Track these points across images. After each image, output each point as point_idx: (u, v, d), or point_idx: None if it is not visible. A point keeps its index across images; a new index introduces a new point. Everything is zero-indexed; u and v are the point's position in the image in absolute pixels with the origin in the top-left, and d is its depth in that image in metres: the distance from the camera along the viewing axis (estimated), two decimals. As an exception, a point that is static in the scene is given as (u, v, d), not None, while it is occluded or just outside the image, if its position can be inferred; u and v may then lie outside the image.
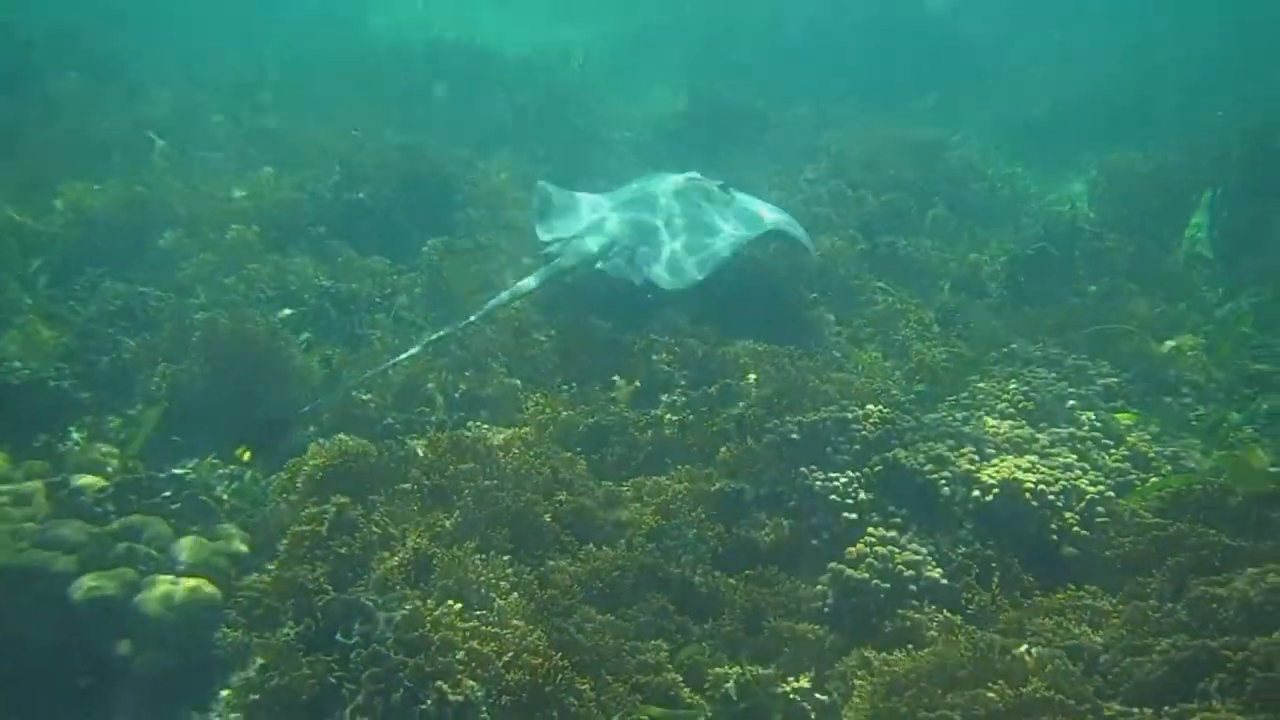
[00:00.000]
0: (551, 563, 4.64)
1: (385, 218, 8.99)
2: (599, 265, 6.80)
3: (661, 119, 13.91)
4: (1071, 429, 5.17)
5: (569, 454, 5.65)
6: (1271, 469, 4.66)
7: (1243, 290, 7.84)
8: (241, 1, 18.92)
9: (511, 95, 14.09)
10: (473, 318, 6.44)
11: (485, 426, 5.73)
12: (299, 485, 5.10)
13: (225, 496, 5.26)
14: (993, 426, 5.17)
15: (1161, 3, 18.62)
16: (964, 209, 10.32)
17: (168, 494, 4.79)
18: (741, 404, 5.93)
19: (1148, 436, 5.28)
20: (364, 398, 6.29)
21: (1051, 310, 7.58)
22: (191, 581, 4.24)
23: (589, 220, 7.24)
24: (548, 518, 4.86)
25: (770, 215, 7.37)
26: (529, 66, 16.45)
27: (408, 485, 5.01)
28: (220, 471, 5.68)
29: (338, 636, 4.19)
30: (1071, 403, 5.45)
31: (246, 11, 18.56)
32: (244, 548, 4.78)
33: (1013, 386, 5.68)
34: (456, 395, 6.36)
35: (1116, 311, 7.09)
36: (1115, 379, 5.88)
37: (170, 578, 4.28)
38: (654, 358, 6.45)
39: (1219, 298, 7.82)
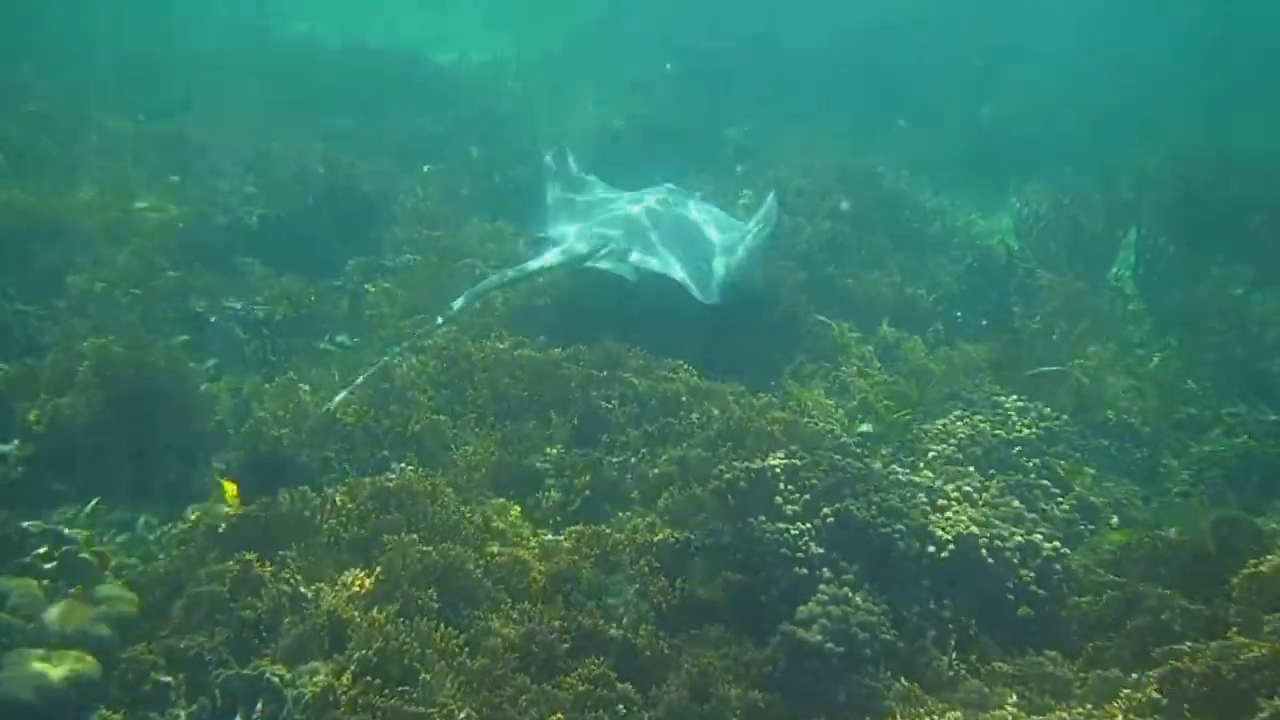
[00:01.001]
0: (482, 623, 4.26)
1: (305, 233, 8.44)
2: (591, 262, 6.94)
3: (598, 136, 13.64)
4: (1019, 476, 5.07)
5: (501, 500, 5.29)
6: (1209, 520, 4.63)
7: (1167, 330, 8.03)
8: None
9: (440, 106, 13.62)
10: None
11: (411, 469, 5.30)
12: (199, 537, 4.59)
13: (111, 550, 4.69)
14: (941, 473, 5.04)
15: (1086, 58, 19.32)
16: (900, 239, 10.35)
17: (41, 551, 4.22)
18: (684, 445, 5.67)
19: (1091, 483, 5.23)
20: (277, 433, 5.78)
21: (988, 347, 7.59)
22: (66, 659, 3.70)
23: (592, 219, 7.48)
24: (479, 574, 4.48)
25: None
26: (458, 76, 16.03)
27: (324, 539, 4.56)
28: (107, 518, 5.10)
29: (238, 718, 3.74)
30: (1017, 448, 5.37)
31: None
32: (131, 610, 4.23)
33: (958, 430, 5.57)
34: (379, 431, 5.91)
35: (1052, 351, 7.11)
36: (1056, 422, 5.83)
37: (40, 652, 3.73)
38: (592, 393, 6.13)
39: (1144, 336, 7.98)
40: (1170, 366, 6.90)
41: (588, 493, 5.37)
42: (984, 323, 8.05)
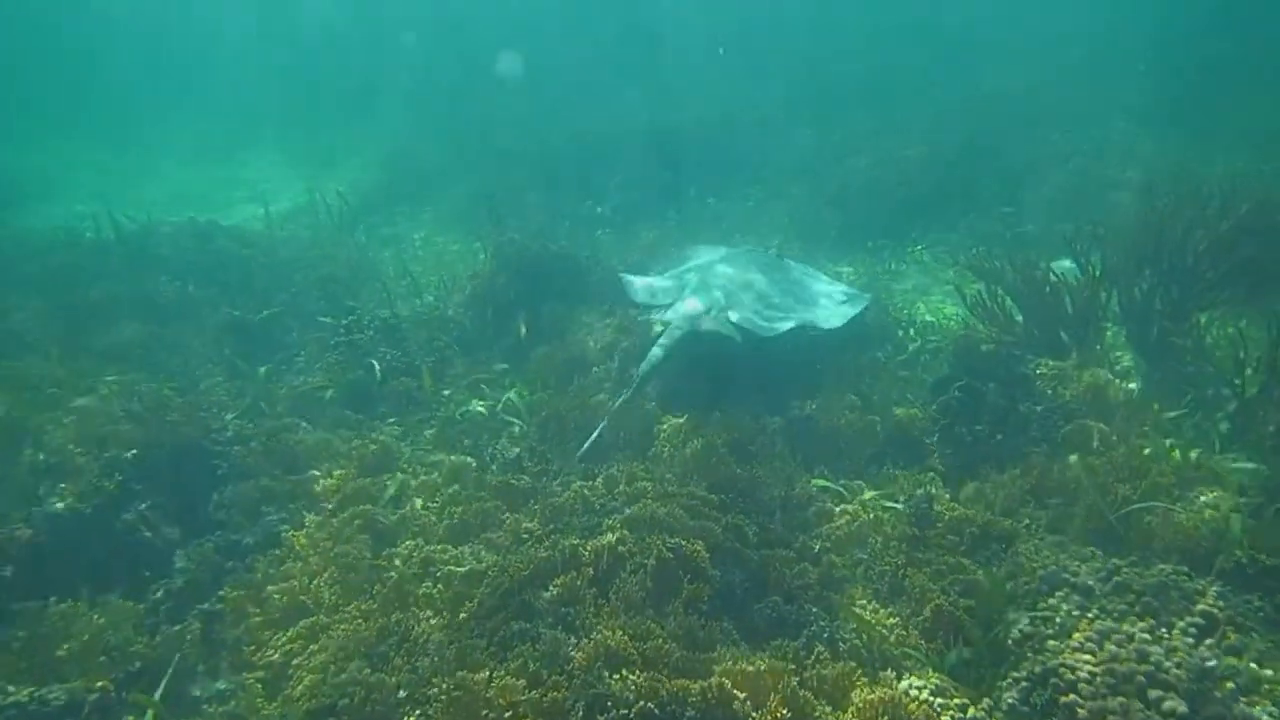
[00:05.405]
0: None
1: (108, 531, 6.07)
2: (703, 326, 7.36)
3: (460, 280, 11.74)
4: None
5: None
6: None
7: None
8: None
9: (264, 283, 11.38)
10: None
11: None
12: None
13: None
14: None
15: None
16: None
17: None
18: (763, 784, 3.87)
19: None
20: None
21: (1014, 471, 6.23)
22: None
23: (679, 292, 8.00)
24: None
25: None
26: (273, 240, 13.83)
27: None
28: None
29: None
30: (1211, 662, 3.89)
31: None
32: None
33: (1118, 657, 4.06)
34: None
35: (1107, 471, 5.82)
36: (1212, 601, 4.45)
37: None
38: (599, 718, 4.24)
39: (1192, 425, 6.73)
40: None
41: None
42: (999, 437, 6.73)
